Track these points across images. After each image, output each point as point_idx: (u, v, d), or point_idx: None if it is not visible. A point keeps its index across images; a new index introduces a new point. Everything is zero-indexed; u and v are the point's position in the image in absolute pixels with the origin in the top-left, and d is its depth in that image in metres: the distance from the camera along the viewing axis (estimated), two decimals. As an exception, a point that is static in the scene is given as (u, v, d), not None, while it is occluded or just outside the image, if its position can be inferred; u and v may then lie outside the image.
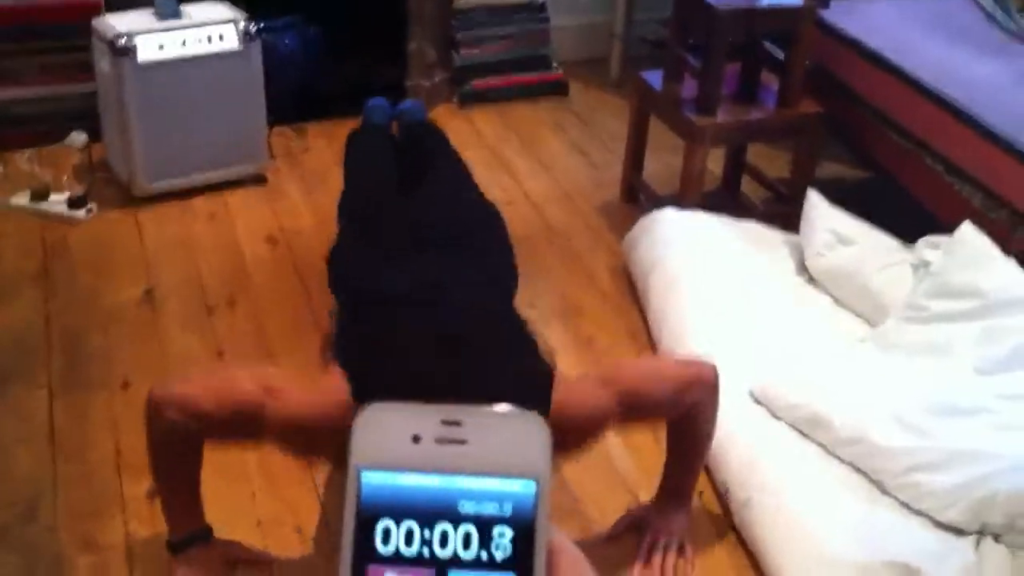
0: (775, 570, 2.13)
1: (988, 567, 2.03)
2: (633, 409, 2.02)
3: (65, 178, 3.53)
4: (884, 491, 2.25)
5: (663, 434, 2.25)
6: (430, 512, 0.45)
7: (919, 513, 2.19)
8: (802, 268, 2.95)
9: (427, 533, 0.45)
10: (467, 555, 0.44)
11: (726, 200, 3.54)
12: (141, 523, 2.27)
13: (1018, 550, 2.06)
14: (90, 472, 2.39)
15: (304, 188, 3.61)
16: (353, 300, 2.26)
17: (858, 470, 2.30)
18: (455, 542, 0.45)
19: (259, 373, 1.97)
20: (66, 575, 2.14)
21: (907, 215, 3.07)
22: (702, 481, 2.40)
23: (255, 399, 1.88)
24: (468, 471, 0.46)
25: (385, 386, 1.92)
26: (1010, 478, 2.12)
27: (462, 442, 0.46)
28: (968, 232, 2.66)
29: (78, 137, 3.68)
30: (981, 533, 2.11)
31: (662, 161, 3.76)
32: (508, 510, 0.45)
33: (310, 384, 2.00)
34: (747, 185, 3.65)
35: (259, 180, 3.60)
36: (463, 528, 0.45)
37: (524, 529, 0.45)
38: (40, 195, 3.38)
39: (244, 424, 1.91)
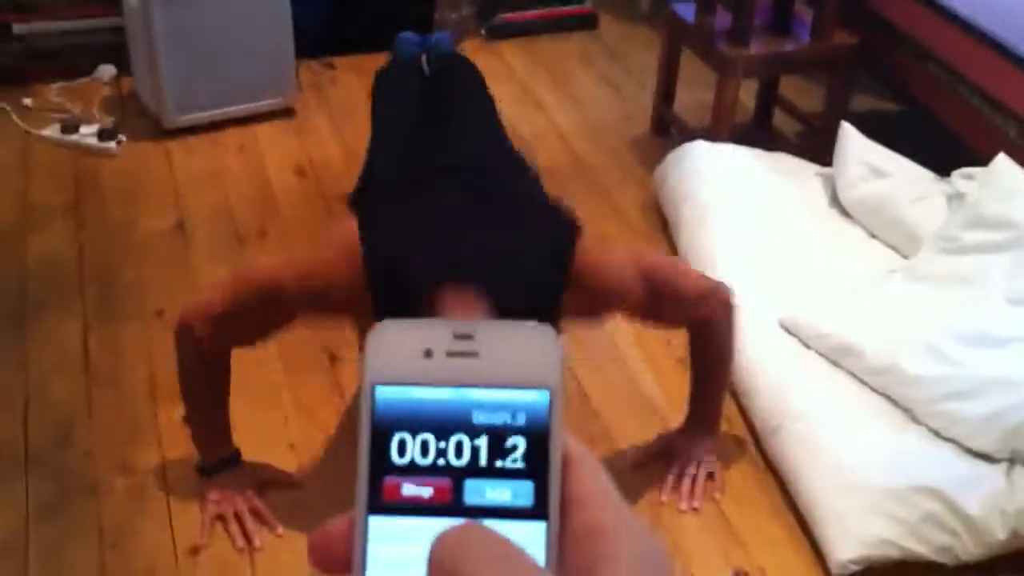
0: (804, 495, 2.14)
1: (1019, 493, 2.03)
2: (656, 293, 2.00)
3: (95, 111, 3.54)
4: (915, 419, 2.25)
5: (689, 364, 2.25)
6: (444, 424, 0.45)
7: (949, 440, 2.18)
8: (835, 200, 2.92)
9: (442, 444, 0.45)
10: (482, 463, 0.45)
11: (758, 133, 3.50)
12: (176, 448, 2.30)
13: (1049, 477, 2.06)
14: (124, 399, 2.42)
15: (332, 121, 3.60)
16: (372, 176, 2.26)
17: (888, 398, 2.30)
18: (470, 452, 0.45)
19: (267, 257, 1.99)
20: (102, 498, 2.18)
21: (942, 148, 3.03)
22: (731, 410, 2.41)
23: (269, 274, 1.90)
24: (481, 383, 0.46)
25: (394, 215, 1.92)
26: (1042, 407, 2.11)
27: (474, 355, 0.46)
28: (1003, 164, 2.62)
29: (107, 70, 3.69)
30: (1011, 460, 2.11)
31: (693, 95, 3.72)
32: (522, 420, 0.45)
33: (319, 244, 2.00)
34: (780, 119, 3.61)
35: (288, 113, 3.59)
36: (478, 439, 0.45)
37: (538, 438, 0.45)
38: (71, 128, 3.38)
39: (265, 305, 1.91)
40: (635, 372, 2.56)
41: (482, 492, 0.44)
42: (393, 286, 1.84)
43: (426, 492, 0.45)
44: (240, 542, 2.08)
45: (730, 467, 2.30)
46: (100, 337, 2.59)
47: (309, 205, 3.15)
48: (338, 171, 3.30)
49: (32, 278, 2.78)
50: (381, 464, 0.45)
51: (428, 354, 0.46)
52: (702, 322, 2.11)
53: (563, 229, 1.95)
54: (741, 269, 2.61)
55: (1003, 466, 2.11)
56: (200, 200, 3.14)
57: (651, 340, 2.61)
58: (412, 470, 0.45)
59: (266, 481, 2.21)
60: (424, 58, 2.96)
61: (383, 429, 0.45)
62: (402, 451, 0.45)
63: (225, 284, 2.01)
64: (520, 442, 0.45)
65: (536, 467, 0.45)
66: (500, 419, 0.45)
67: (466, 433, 0.45)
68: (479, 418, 0.45)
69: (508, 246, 1.86)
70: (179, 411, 2.34)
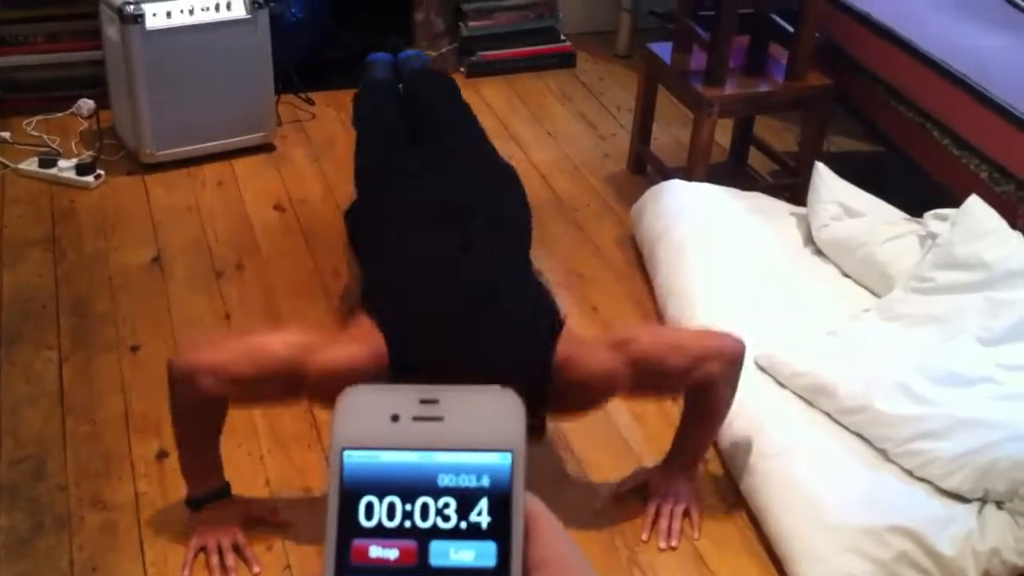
0: (778, 533, 2.15)
1: (990, 533, 2.04)
2: (645, 376, 2.04)
3: (73, 145, 3.54)
4: (888, 458, 2.26)
5: (670, 406, 2.26)
6: (411, 486, 0.47)
7: (922, 480, 2.20)
8: (809, 239, 2.95)
9: (408, 506, 0.46)
10: (447, 525, 0.46)
11: (733, 173, 3.54)
12: (150, 483, 2.28)
13: (1020, 517, 2.08)
14: (99, 432, 2.41)
15: (311, 156, 3.61)
16: (378, 255, 2.29)
17: (862, 438, 2.31)
18: (435, 514, 0.46)
19: (288, 333, 1.99)
20: (75, 532, 2.16)
21: (916, 189, 3.07)
22: (708, 451, 2.42)
23: (295, 358, 1.91)
24: (445, 446, 0.47)
25: (417, 335, 1.97)
26: (1012, 447, 2.13)
27: (439, 419, 0.48)
28: (975, 205, 2.66)
29: (86, 104, 3.70)
30: (984, 500, 2.13)
31: (670, 134, 3.77)
32: (486, 481, 0.47)
33: (344, 338, 2.01)
34: (755, 159, 3.65)
35: (267, 148, 3.61)
36: (443, 500, 0.46)
37: (501, 499, 0.46)
38: (48, 162, 3.38)
39: (284, 384, 1.95)
40: (611, 411, 2.56)
41: (447, 554, 0.46)
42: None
43: (392, 554, 0.46)
44: (217, 577, 2.07)
45: (706, 505, 2.31)
46: (75, 369, 2.58)
47: (288, 240, 3.15)
48: (317, 207, 3.31)
49: (7, 310, 2.77)
50: (349, 526, 0.46)
51: (395, 418, 0.47)
52: (698, 385, 2.13)
53: (543, 334, 2.01)
54: (716, 307, 2.63)
55: (975, 506, 2.12)
56: (177, 234, 3.14)
57: (627, 377, 2.61)
58: (379, 532, 0.46)
59: (254, 517, 2.20)
60: (399, 81, 2.99)
61: (351, 492, 0.47)
62: (369, 514, 0.46)
63: (240, 351, 1.99)
64: (484, 504, 0.46)
65: (499, 528, 0.46)
66: (464, 481, 0.46)
67: (431, 495, 0.46)
68: (444, 480, 0.46)
69: (508, 360, 1.94)
70: (155, 447, 2.34)
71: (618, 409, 2.56)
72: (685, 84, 3.23)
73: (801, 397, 2.42)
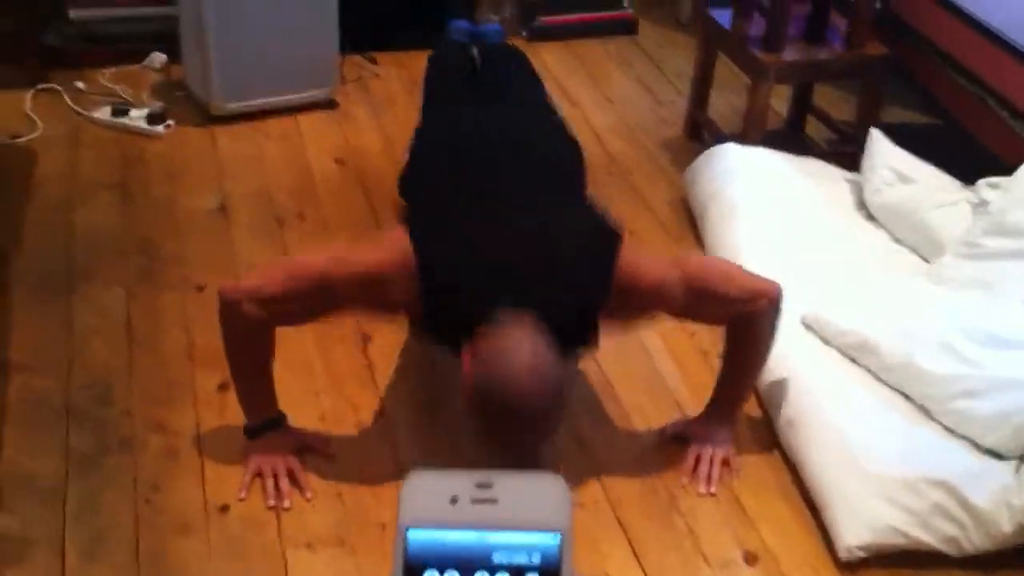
0: (815, 481, 2.20)
1: (1026, 489, 2.07)
2: (697, 297, 2.09)
3: (144, 96, 3.66)
4: (929, 416, 2.30)
5: (713, 357, 2.31)
6: (468, 563, 0.51)
7: (962, 438, 2.23)
8: (861, 204, 2.98)
9: None
10: None
11: (790, 140, 3.56)
12: (211, 412, 2.39)
13: (1057, 474, 2.10)
14: (164, 363, 2.52)
15: (373, 113, 3.69)
16: (421, 189, 2.35)
17: (904, 395, 2.35)
18: None
19: (319, 251, 2.08)
20: (139, 454, 2.27)
21: (972, 161, 3.07)
22: (749, 401, 2.46)
23: (323, 267, 2.00)
24: (500, 526, 0.51)
25: (447, 231, 2.02)
26: (1053, 407, 2.16)
27: (494, 501, 0.52)
28: (1028, 173, 2.67)
29: (158, 57, 3.82)
30: (1022, 458, 2.15)
31: (728, 101, 3.80)
32: (537, 559, 0.51)
33: (370, 245, 2.09)
34: (812, 128, 3.67)
35: (330, 104, 3.69)
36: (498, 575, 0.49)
37: (551, 575, 0.51)
38: (121, 111, 3.50)
39: (315, 295, 2.03)
40: (658, 361, 2.62)
41: None
42: (446, 307, 1.99)
43: None
44: (272, 501, 2.17)
45: (746, 455, 2.36)
46: (142, 305, 2.69)
47: (347, 192, 3.24)
48: (376, 160, 3.39)
49: (79, 248, 2.89)
50: None
51: (454, 500, 0.52)
52: (742, 320, 2.18)
53: (606, 238, 2.06)
54: (764, 267, 2.65)
55: (1013, 463, 2.15)
56: (242, 183, 3.24)
57: (676, 331, 2.67)
58: None
59: (306, 446, 2.29)
60: (475, 50, 3.02)
61: (414, 567, 0.51)
62: None
63: (277, 270, 2.10)
64: None
65: None
66: (517, 559, 0.51)
67: (487, 571, 0.51)
68: (498, 558, 0.51)
69: (557, 270, 1.99)
70: (217, 379, 2.44)
71: (663, 358, 2.62)
72: (743, 49, 3.26)
73: (845, 355, 2.45)
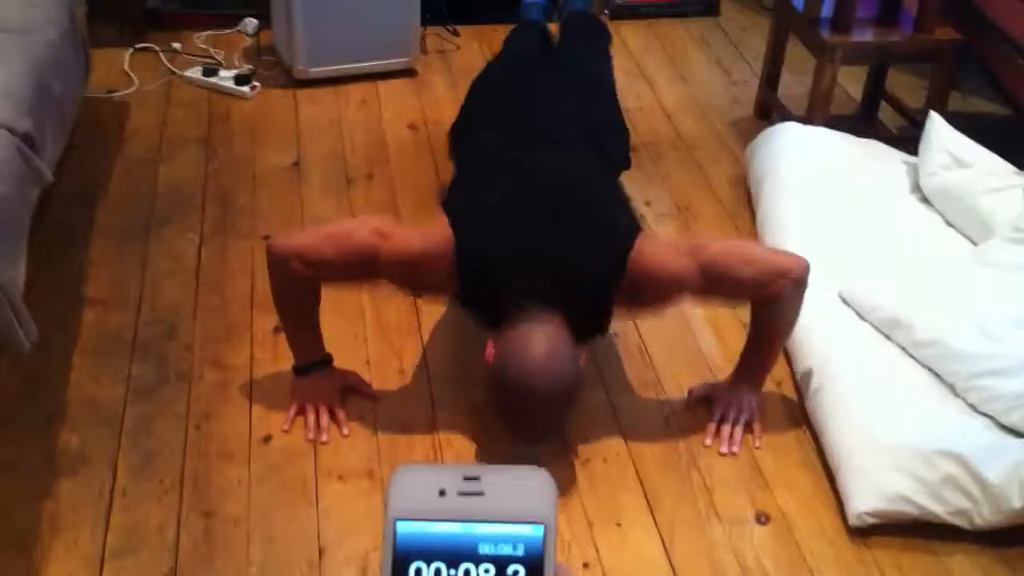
0: (832, 449, 2.25)
1: (1040, 466, 2.09)
2: (714, 282, 2.17)
3: (235, 58, 3.84)
4: (954, 393, 2.32)
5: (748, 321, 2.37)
6: (454, 554, 0.53)
7: (984, 415, 2.25)
8: (916, 187, 2.98)
9: (452, 572, 0.52)
10: None
11: (862, 124, 3.57)
12: (264, 351, 2.54)
13: (1075, 455, 2.11)
14: (226, 306, 2.68)
15: (450, 84, 3.81)
16: (463, 159, 2.46)
17: (932, 372, 2.37)
18: None
19: (371, 221, 2.20)
20: (194, 385, 2.44)
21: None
22: (781, 371, 2.52)
23: (370, 243, 2.13)
24: (486, 518, 0.53)
25: (483, 226, 2.13)
26: (1079, 389, 2.16)
27: (480, 494, 0.54)
28: (1086, 161, 2.65)
29: (251, 23, 3.99)
30: (1041, 437, 2.17)
31: (802, 83, 3.80)
32: (521, 550, 0.53)
33: (416, 230, 2.21)
34: (886, 114, 3.67)
35: (409, 73, 3.83)
36: (483, 567, 0.52)
37: (534, 566, 0.53)
38: (211, 71, 3.69)
39: (360, 266, 2.17)
40: (696, 330, 2.69)
41: None
42: (481, 295, 2.14)
43: None
44: (311, 434, 2.31)
45: (771, 422, 2.41)
46: (212, 251, 2.87)
47: (417, 156, 3.37)
48: (448, 127, 3.50)
49: (161, 196, 3.08)
50: None
51: (442, 493, 0.54)
52: (765, 299, 2.24)
53: (624, 230, 2.15)
54: (809, 241, 2.70)
55: (1031, 441, 2.17)
56: (318, 144, 3.40)
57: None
58: None
59: (349, 387, 2.43)
60: (556, 17, 3.07)
61: (402, 558, 0.53)
62: None
63: (325, 237, 2.21)
64: (519, 569, 0.53)
65: None
66: (502, 550, 0.53)
67: (472, 562, 0.53)
68: (484, 549, 0.53)
69: (580, 271, 2.10)
70: (273, 322, 2.59)
71: (703, 329, 2.69)
72: (812, 30, 3.28)
73: (878, 330, 2.49)
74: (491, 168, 2.33)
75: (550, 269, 2.10)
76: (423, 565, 0.53)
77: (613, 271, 2.11)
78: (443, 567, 0.53)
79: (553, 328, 2.03)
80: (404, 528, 0.53)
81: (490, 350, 2.09)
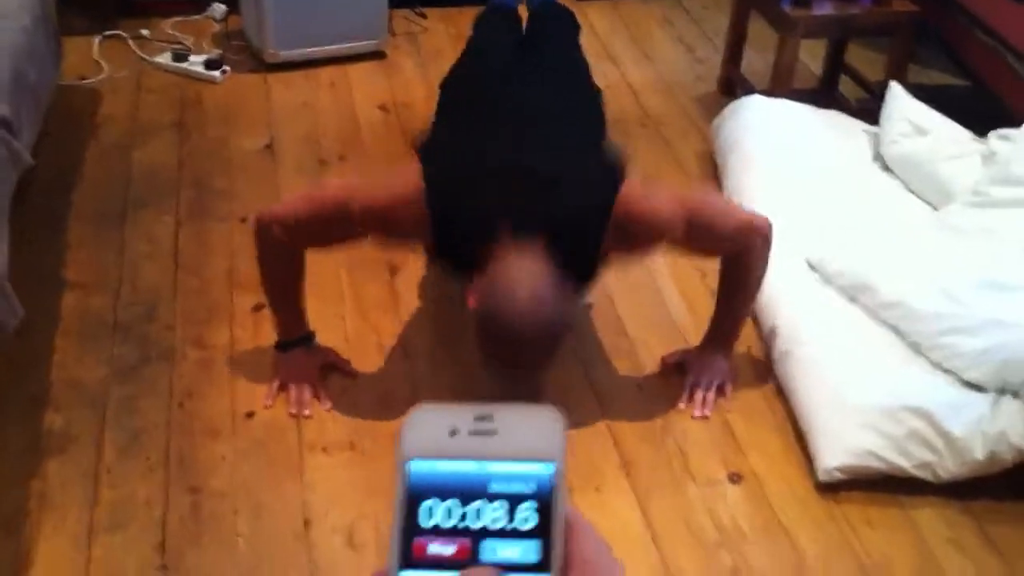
0: (802, 410, 2.32)
1: (1001, 418, 2.17)
2: (696, 230, 2.18)
3: (204, 44, 3.87)
4: (918, 352, 2.40)
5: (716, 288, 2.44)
6: (466, 492, 0.53)
7: (947, 372, 2.33)
8: (878, 155, 3.06)
9: (464, 509, 0.53)
10: (497, 526, 0.53)
11: (823, 98, 3.64)
12: (245, 331, 2.58)
13: (1033, 407, 2.19)
14: (206, 286, 2.72)
15: (419, 65, 3.86)
16: (440, 120, 2.49)
17: (897, 332, 2.45)
18: (487, 516, 0.53)
19: (343, 179, 2.24)
20: (176, 365, 2.47)
21: (1000, 124, 3.10)
22: (750, 335, 2.59)
23: (340, 197, 2.16)
24: (497, 457, 0.54)
25: (453, 152, 2.15)
26: (1035, 345, 2.24)
27: (492, 433, 0.54)
28: (1040, 126, 2.73)
29: (219, 8, 4.01)
30: (1001, 392, 2.25)
31: (764, 59, 3.87)
32: (532, 488, 0.53)
33: (385, 178, 2.25)
34: (846, 87, 3.74)
35: (379, 56, 3.86)
36: (494, 504, 0.53)
37: (545, 503, 0.53)
38: (181, 56, 3.71)
39: (336, 223, 2.18)
40: (668, 299, 2.75)
41: (496, 551, 0.52)
42: (454, 236, 2.10)
43: (449, 550, 0.52)
44: (294, 409, 2.36)
45: (742, 386, 2.49)
46: (190, 234, 2.90)
47: (389, 137, 3.41)
48: (420, 109, 3.55)
49: (136, 181, 3.11)
50: (412, 526, 0.54)
51: (453, 433, 0.55)
52: (736, 253, 2.30)
53: (610, 171, 2.16)
54: (776, 210, 2.75)
55: (992, 396, 2.25)
56: (290, 127, 3.43)
57: (687, 270, 2.80)
58: (437, 532, 0.53)
59: (330, 364, 2.48)
60: (526, 4, 3.10)
61: (415, 497, 0.54)
62: (430, 516, 0.54)
63: (300, 198, 2.27)
64: (530, 506, 0.54)
65: (543, 528, 0.54)
66: (513, 488, 0.54)
67: (484, 500, 0.53)
68: (495, 487, 0.54)
69: (561, 202, 2.06)
70: (252, 301, 2.63)
71: (672, 296, 2.75)
72: (773, 5, 3.35)
73: (844, 294, 2.56)
74: (467, 105, 2.35)
75: (530, 192, 2.05)
76: (435, 503, 0.53)
77: (600, 205, 2.08)
78: (455, 505, 0.53)
79: (535, 263, 1.97)
80: (417, 467, 0.54)
81: (471, 294, 2.03)
